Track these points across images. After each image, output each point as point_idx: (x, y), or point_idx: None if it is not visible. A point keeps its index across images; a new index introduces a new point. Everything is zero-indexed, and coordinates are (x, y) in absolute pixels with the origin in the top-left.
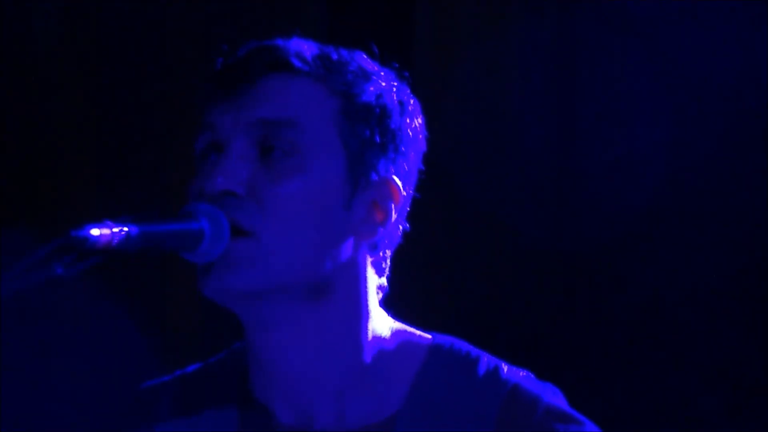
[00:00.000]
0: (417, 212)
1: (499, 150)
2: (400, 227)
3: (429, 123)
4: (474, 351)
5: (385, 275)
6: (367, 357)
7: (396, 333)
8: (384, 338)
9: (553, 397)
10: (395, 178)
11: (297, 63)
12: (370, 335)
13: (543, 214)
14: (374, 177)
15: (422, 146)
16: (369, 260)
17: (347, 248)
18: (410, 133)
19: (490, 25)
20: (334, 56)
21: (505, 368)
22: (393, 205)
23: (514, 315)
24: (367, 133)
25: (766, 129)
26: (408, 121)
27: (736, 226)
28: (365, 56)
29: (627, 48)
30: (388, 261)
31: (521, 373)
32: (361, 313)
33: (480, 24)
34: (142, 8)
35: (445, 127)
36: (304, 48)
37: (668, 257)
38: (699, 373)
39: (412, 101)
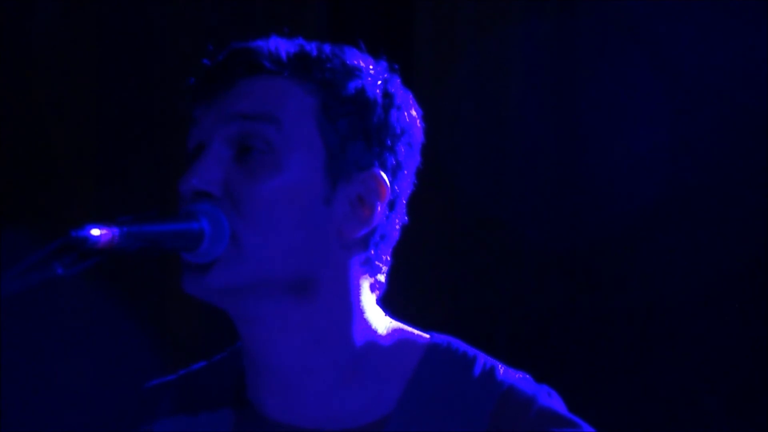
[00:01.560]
0: (416, 212)
1: (500, 149)
2: (397, 223)
3: (429, 122)
4: (471, 351)
5: (382, 272)
6: (359, 354)
7: (393, 332)
8: (379, 336)
9: (549, 399)
10: (381, 173)
11: (269, 65)
12: (362, 332)
13: (543, 214)
14: (357, 172)
15: (417, 138)
16: (359, 257)
17: (330, 245)
18: (398, 127)
19: (491, 24)
20: (314, 54)
21: (502, 369)
22: (378, 201)
23: (514, 315)
24: (346, 129)
25: (767, 129)
26: (395, 114)
27: (736, 226)
28: (355, 51)
29: (627, 47)
30: (385, 258)
31: (518, 375)
32: (350, 310)
33: (480, 24)
34: (142, 8)
35: (445, 127)
36: (281, 48)
37: (668, 257)
38: (699, 373)
39: (401, 93)
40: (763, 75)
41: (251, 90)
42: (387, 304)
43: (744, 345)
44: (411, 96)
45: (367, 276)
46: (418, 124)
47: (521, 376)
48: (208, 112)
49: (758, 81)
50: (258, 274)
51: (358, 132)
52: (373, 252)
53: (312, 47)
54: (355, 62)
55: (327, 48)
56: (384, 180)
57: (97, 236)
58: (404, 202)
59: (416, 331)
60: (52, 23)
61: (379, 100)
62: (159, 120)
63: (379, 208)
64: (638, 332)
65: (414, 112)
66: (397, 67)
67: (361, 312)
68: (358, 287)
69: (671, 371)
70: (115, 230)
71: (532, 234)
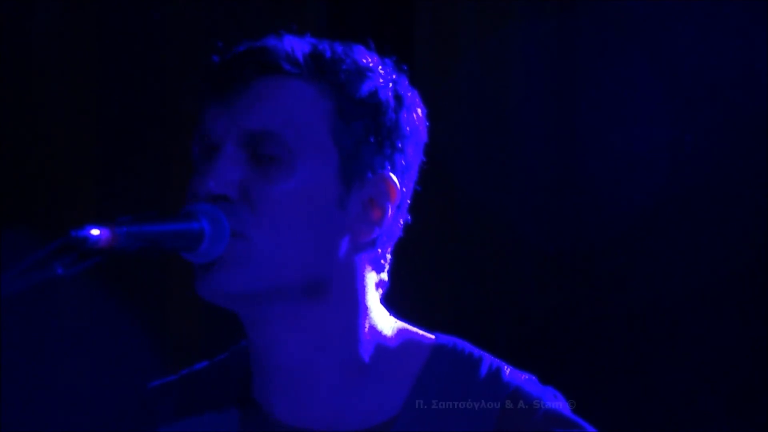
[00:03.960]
0: (416, 212)
1: (499, 149)
2: (401, 221)
3: (429, 122)
4: (477, 352)
5: (386, 270)
6: (366, 354)
7: (399, 332)
8: (385, 336)
9: (555, 401)
10: (392, 175)
11: (287, 66)
12: (369, 332)
13: (543, 214)
14: (369, 175)
15: (423, 138)
16: (367, 257)
17: (343, 247)
18: (408, 128)
19: (491, 24)
20: (328, 54)
21: (508, 371)
22: (389, 203)
23: (514, 315)
24: (361, 131)
25: (767, 129)
26: (405, 115)
27: (736, 226)
28: (363, 50)
29: (628, 47)
30: (388, 256)
31: (523, 377)
32: (358, 311)
33: (480, 24)
34: (142, 7)
35: (445, 127)
36: (297, 48)
37: (668, 257)
38: (699, 373)
39: (410, 94)
40: (763, 75)
41: (268, 92)
42: (387, 304)
43: (744, 345)
44: (417, 95)
45: (373, 275)
46: (424, 124)
47: (527, 377)
48: (221, 112)
49: (758, 81)
50: (273, 278)
51: (371, 134)
52: (380, 251)
53: (325, 46)
54: (367, 63)
55: (339, 47)
56: (395, 182)
57: (97, 236)
58: (408, 201)
59: (421, 332)
60: (52, 23)
61: (391, 102)
62: (159, 120)
63: (390, 210)
64: (638, 332)
65: (420, 112)
66: (405, 67)
67: (369, 312)
68: (365, 287)
69: (671, 371)
70: (115, 230)
71: (532, 234)
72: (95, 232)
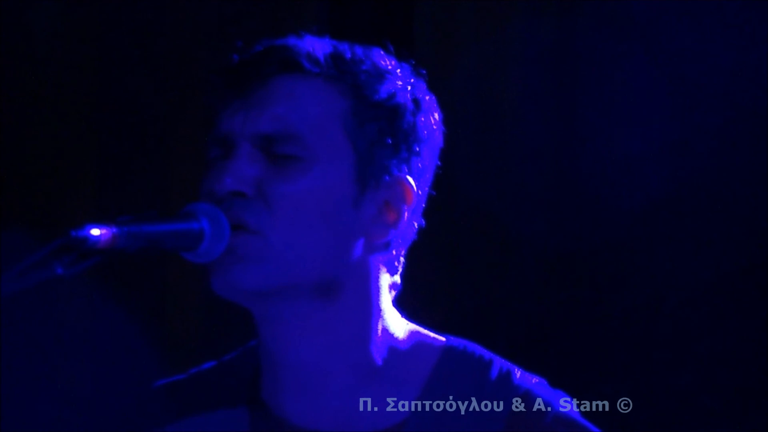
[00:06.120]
0: None
1: (499, 149)
2: (415, 224)
3: None
4: (487, 354)
5: (399, 272)
6: (378, 356)
7: (410, 334)
8: (397, 338)
9: (565, 405)
10: (409, 178)
11: (307, 65)
12: (381, 334)
13: (543, 214)
14: (386, 178)
15: (439, 142)
16: (381, 259)
17: (357, 248)
18: (425, 132)
19: (491, 24)
20: (348, 55)
21: (518, 373)
22: (405, 206)
23: (514, 315)
24: (377, 133)
25: (766, 129)
26: (423, 119)
27: (736, 225)
28: (381, 53)
29: (627, 48)
30: (402, 259)
31: (534, 380)
32: (371, 312)
33: (480, 24)
34: (142, 7)
35: (445, 127)
36: (317, 48)
37: (668, 257)
38: (699, 372)
39: (427, 98)
40: (763, 75)
41: (286, 90)
42: (392, 304)
43: (744, 345)
44: (434, 100)
45: (387, 276)
46: (440, 129)
47: (537, 380)
48: (239, 109)
49: (758, 81)
50: (287, 275)
51: (388, 137)
52: (394, 252)
53: (345, 48)
54: (386, 65)
55: (358, 49)
56: (411, 186)
57: (97, 236)
58: (423, 204)
59: (432, 334)
60: (52, 23)
61: (409, 105)
62: (159, 120)
63: (405, 214)
64: (638, 332)
65: (437, 116)
66: (424, 71)
67: (381, 314)
68: (378, 289)
69: (671, 371)
70: (115, 230)
71: (532, 234)
72: (95, 232)
